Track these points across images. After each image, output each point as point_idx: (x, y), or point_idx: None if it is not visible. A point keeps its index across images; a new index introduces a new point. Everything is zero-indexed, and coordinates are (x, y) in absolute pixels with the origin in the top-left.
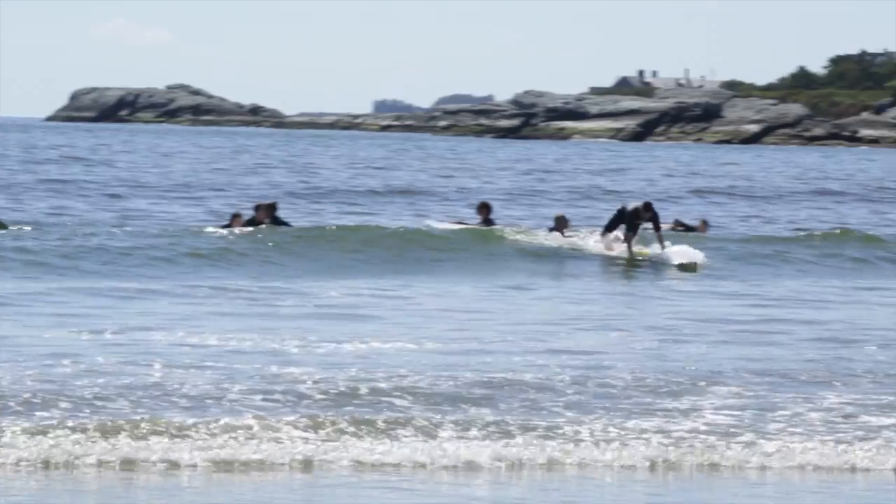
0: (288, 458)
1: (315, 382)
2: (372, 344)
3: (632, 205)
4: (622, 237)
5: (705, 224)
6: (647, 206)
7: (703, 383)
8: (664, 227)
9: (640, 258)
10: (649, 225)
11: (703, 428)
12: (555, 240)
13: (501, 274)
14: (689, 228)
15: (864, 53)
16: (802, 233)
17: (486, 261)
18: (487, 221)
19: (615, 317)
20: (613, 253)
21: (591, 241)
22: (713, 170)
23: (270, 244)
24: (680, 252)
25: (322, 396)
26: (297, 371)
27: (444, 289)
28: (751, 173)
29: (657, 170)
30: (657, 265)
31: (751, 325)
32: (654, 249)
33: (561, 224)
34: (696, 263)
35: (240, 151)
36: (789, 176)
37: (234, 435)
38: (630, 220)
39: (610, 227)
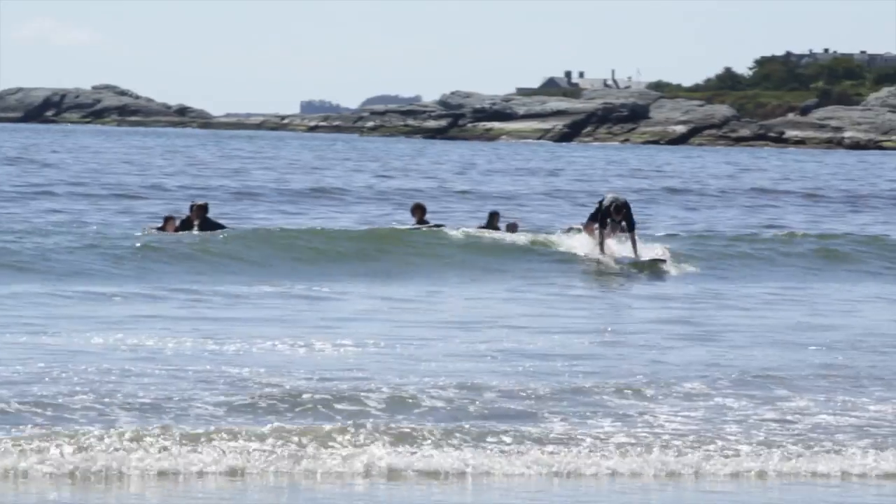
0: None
1: (259, 385)
2: (315, 346)
3: (608, 199)
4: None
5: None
6: (618, 209)
7: (654, 386)
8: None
9: (604, 258)
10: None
11: (656, 432)
12: (502, 237)
13: (451, 274)
14: None
15: (789, 55)
16: (749, 232)
17: (434, 261)
18: (422, 223)
19: (568, 317)
20: (579, 250)
21: (572, 233)
22: (655, 169)
23: (206, 246)
24: (651, 250)
25: (264, 402)
26: (241, 374)
27: (391, 291)
28: (693, 173)
29: (595, 169)
30: (621, 264)
31: (701, 326)
32: (625, 252)
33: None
34: (665, 259)
35: (173, 152)
36: (727, 175)
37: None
38: (604, 216)
39: (592, 219)
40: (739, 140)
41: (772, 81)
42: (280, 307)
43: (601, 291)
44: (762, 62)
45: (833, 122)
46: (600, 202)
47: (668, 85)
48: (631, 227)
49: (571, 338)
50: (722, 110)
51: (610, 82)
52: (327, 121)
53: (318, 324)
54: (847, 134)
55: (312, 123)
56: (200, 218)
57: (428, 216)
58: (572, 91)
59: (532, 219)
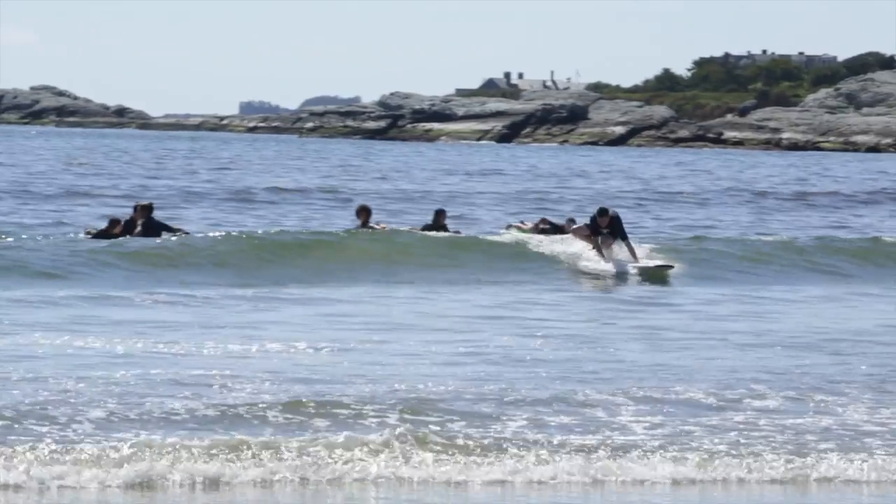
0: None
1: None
2: (272, 349)
3: (598, 209)
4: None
5: (572, 222)
6: (602, 212)
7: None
8: (527, 225)
9: (604, 264)
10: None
11: (628, 439)
12: (452, 237)
13: (403, 277)
14: (556, 227)
15: (727, 56)
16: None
17: (385, 264)
18: (367, 225)
19: (526, 322)
20: (578, 257)
21: (511, 231)
22: (601, 170)
23: (154, 249)
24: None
25: (211, 410)
26: (191, 377)
27: (346, 293)
28: (651, 175)
29: (537, 171)
30: (624, 271)
31: (655, 331)
32: (620, 258)
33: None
34: (672, 266)
35: (119, 151)
36: (677, 177)
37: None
38: (594, 224)
39: (588, 228)
40: (678, 141)
41: (710, 82)
42: (231, 310)
43: (577, 295)
44: (701, 63)
45: (771, 124)
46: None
47: (606, 86)
48: (623, 237)
49: (539, 342)
50: (660, 111)
51: (549, 83)
52: (266, 122)
53: (273, 327)
54: (785, 135)
55: (252, 124)
56: (145, 218)
57: (381, 217)
58: (511, 92)
59: (480, 218)
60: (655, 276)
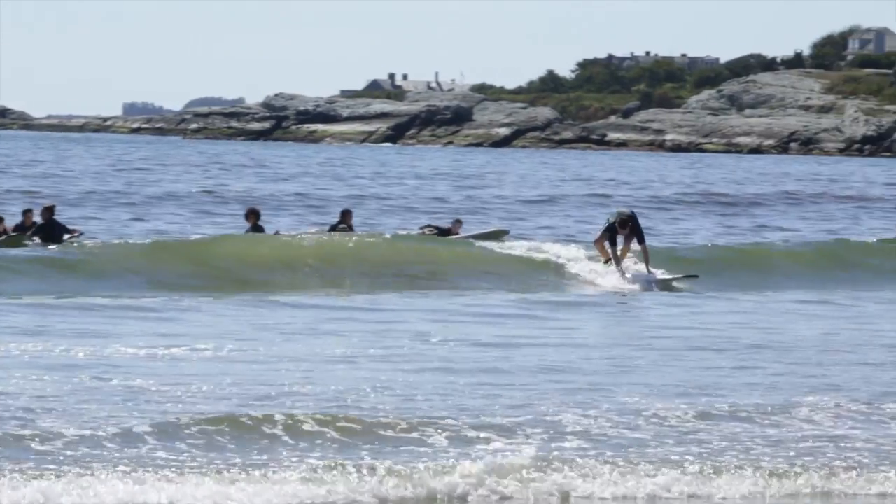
0: None
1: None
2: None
3: (614, 214)
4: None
5: (459, 223)
6: (623, 222)
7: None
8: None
9: (622, 278)
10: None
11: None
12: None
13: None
14: (441, 231)
15: (611, 57)
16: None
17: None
18: (256, 228)
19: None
20: (598, 275)
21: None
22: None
23: (55, 255)
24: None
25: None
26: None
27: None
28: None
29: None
30: (650, 285)
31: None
32: (638, 269)
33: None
34: (697, 275)
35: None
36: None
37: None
38: (611, 233)
39: (603, 236)
40: (562, 142)
41: (594, 84)
42: (145, 319)
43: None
44: (584, 65)
45: (655, 125)
46: (608, 218)
47: (491, 87)
48: (640, 240)
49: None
50: (545, 112)
51: (433, 84)
52: (150, 123)
53: (187, 336)
54: (668, 136)
55: (135, 125)
56: (47, 220)
57: (283, 220)
58: (396, 93)
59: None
60: (673, 286)
